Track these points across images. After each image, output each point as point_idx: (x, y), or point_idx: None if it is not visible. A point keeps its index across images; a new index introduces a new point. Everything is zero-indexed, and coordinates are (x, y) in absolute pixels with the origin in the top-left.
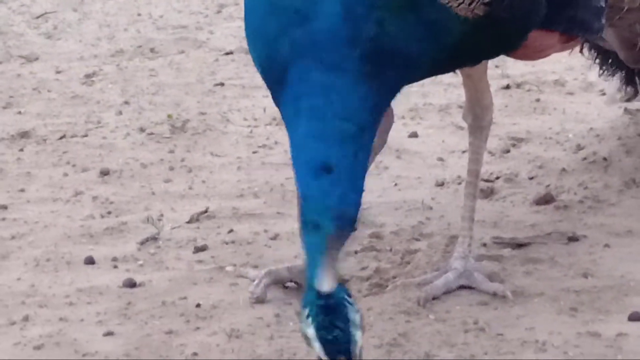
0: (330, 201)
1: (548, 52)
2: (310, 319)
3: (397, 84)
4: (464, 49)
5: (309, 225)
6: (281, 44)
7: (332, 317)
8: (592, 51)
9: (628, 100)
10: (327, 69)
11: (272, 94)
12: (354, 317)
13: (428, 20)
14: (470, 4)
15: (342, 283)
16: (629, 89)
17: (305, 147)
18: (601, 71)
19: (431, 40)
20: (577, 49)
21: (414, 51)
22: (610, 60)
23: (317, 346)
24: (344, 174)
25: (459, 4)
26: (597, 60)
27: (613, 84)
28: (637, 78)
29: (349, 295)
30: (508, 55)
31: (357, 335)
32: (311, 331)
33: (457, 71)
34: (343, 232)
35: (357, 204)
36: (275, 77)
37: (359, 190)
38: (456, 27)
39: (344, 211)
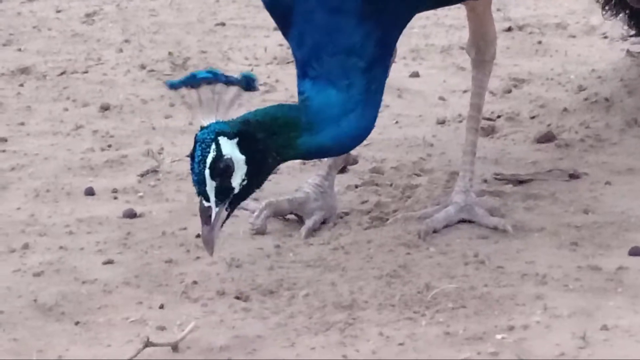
0: (332, 112)
1: None
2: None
3: (402, 18)
4: None
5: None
6: None
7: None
8: None
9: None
10: (329, 11)
11: (280, 29)
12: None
13: None
14: None
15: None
16: (631, 29)
17: (312, 70)
18: (604, 11)
19: None
20: None
21: None
22: (613, 0)
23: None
24: (352, 97)
25: None
26: (601, 0)
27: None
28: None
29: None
30: None
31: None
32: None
33: (462, 5)
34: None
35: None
36: (282, 16)
37: (368, 117)
38: None
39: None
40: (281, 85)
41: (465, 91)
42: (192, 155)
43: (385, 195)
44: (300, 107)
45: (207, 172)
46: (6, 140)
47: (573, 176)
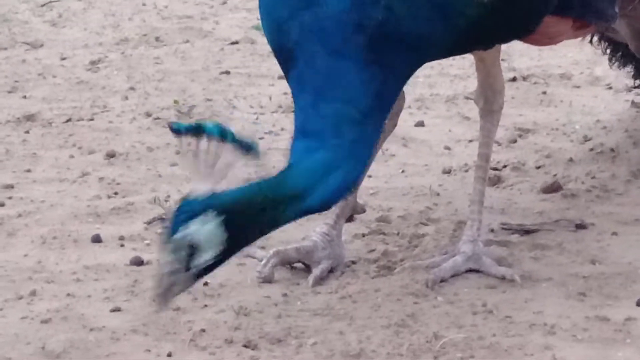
0: (316, 177)
1: (560, 38)
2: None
3: (405, 70)
4: (477, 32)
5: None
6: (290, 26)
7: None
8: (602, 42)
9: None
10: (331, 54)
11: (282, 70)
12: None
13: (441, 2)
14: None
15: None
16: (638, 81)
17: (304, 123)
18: (611, 63)
19: (443, 23)
20: (587, 38)
21: (424, 34)
22: (620, 52)
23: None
24: (339, 155)
25: None
26: (608, 52)
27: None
28: None
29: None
30: (521, 40)
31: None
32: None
33: (467, 55)
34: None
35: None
36: (285, 57)
37: (353, 173)
38: (471, 10)
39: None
40: (286, 134)
41: (470, 141)
42: (175, 217)
43: (393, 244)
44: (283, 180)
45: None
46: (13, 187)
47: (580, 226)
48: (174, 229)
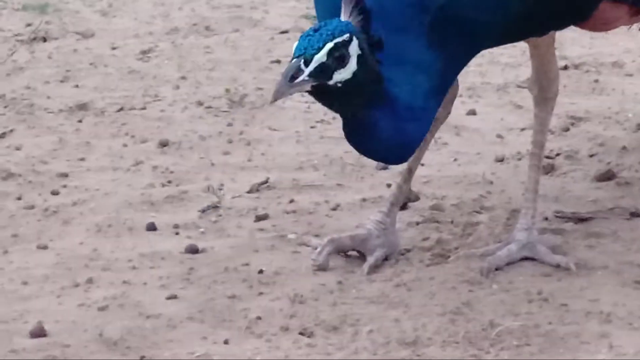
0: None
1: (616, 24)
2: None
3: (464, 54)
4: (534, 17)
5: None
6: None
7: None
8: None
9: None
10: (395, 32)
11: None
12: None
13: None
14: None
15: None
16: None
17: None
18: None
19: (502, 9)
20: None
21: (483, 20)
22: None
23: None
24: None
25: None
26: None
27: None
28: None
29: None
30: (577, 26)
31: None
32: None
33: (519, 43)
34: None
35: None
36: None
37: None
38: None
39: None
40: (338, 122)
41: (523, 129)
42: (321, 26)
43: (447, 232)
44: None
45: (329, 45)
46: (67, 176)
47: (634, 214)
48: (330, 32)
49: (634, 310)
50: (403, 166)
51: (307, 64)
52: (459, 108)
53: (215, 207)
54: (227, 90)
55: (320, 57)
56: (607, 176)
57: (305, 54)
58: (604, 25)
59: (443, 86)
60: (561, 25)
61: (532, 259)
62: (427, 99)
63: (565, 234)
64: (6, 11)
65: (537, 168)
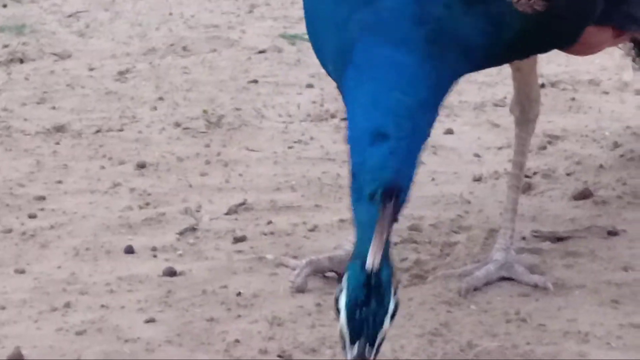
0: (385, 169)
1: (601, 47)
2: (346, 290)
3: (457, 69)
4: (521, 43)
5: (361, 194)
6: (350, 24)
7: (369, 296)
8: (631, 45)
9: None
10: (392, 45)
11: (334, 76)
12: (390, 305)
13: (492, 12)
14: (529, 0)
15: (389, 266)
16: None
17: (364, 115)
18: (638, 65)
19: (492, 32)
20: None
21: (473, 40)
22: None
23: (342, 319)
24: (400, 144)
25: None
26: (636, 53)
27: None
28: None
29: (392, 282)
30: (562, 50)
31: (386, 323)
32: (342, 302)
33: (505, 65)
34: (392, 203)
35: (410, 177)
36: (342, 59)
37: (413, 164)
38: (517, 21)
39: (397, 181)
40: (316, 143)
41: (500, 148)
42: (370, 295)
43: (425, 252)
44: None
45: (388, 318)
46: (44, 199)
47: (611, 233)
48: (386, 301)
49: (612, 329)
50: None
51: (372, 343)
52: (436, 127)
53: (192, 229)
54: (205, 111)
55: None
56: (584, 195)
57: (371, 338)
58: (589, 49)
59: (439, 99)
60: (548, 49)
61: (510, 279)
62: (418, 119)
63: (542, 253)
64: None
65: (516, 188)
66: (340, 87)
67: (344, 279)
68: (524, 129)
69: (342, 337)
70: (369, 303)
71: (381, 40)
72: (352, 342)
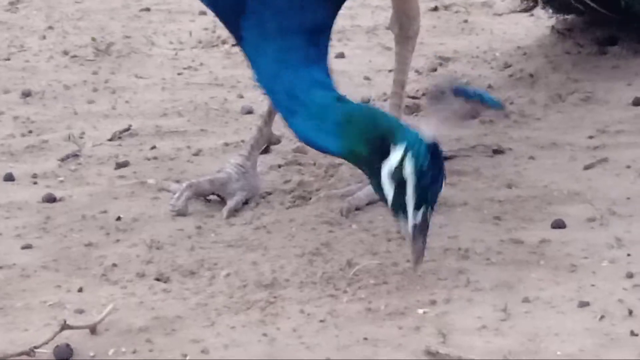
0: None
1: None
2: (413, 158)
3: None
4: None
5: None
6: None
7: (434, 162)
8: None
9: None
10: None
11: (229, 27)
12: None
13: None
14: None
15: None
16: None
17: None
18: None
19: None
20: None
21: None
22: None
23: (410, 185)
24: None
25: None
26: None
27: None
28: None
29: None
30: None
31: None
32: (409, 170)
33: None
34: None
35: None
36: (234, 11)
37: None
38: None
39: None
40: (205, 69)
41: (390, 70)
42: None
43: (309, 174)
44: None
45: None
46: None
47: (497, 151)
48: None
49: (492, 245)
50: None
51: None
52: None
53: (75, 155)
54: (94, 39)
55: None
56: (471, 115)
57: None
58: None
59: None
60: None
61: None
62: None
63: None
64: None
65: (398, 107)
66: (237, 38)
67: (398, 150)
68: (404, 47)
69: (397, 206)
70: (434, 168)
71: None
72: (417, 208)
